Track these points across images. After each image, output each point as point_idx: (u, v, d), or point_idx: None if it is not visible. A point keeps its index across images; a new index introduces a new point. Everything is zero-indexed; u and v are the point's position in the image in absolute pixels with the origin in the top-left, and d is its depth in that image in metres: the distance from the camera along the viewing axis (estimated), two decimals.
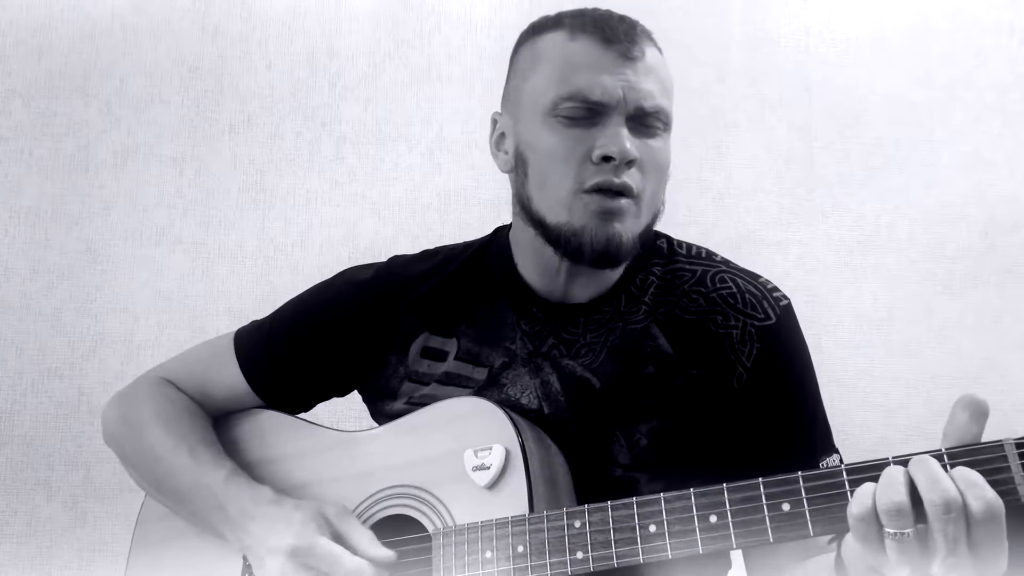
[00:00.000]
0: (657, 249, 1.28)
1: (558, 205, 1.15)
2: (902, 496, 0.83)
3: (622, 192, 1.12)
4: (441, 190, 2.25)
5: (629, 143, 1.12)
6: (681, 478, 1.09)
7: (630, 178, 1.13)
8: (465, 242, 1.36)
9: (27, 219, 2.21)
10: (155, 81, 2.27)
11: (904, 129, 2.33)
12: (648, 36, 1.19)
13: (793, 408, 1.20)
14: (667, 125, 1.17)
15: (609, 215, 1.13)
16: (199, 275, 2.21)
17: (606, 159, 1.12)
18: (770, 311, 1.21)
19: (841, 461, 1.19)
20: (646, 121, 1.15)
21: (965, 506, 0.82)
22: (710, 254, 1.28)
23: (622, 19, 1.18)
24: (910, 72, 2.36)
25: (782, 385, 1.20)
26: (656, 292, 1.24)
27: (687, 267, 1.26)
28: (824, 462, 1.17)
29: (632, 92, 1.13)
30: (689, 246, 1.29)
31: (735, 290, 1.22)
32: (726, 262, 1.27)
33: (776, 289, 1.24)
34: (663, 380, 1.19)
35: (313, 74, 2.30)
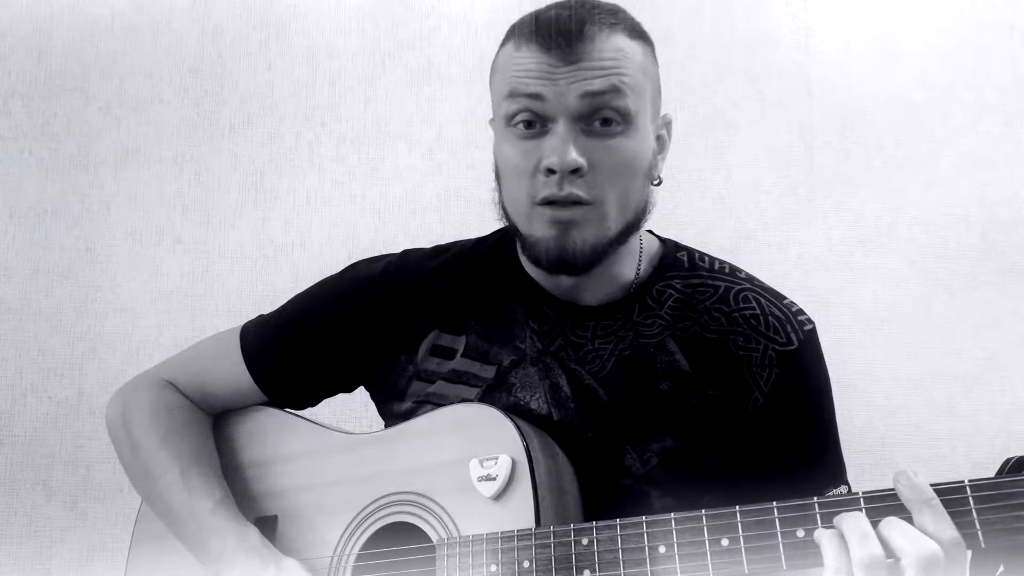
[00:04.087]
0: (677, 262, 1.25)
1: (520, 216, 1.16)
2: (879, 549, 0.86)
3: (572, 201, 1.10)
4: (441, 190, 2.25)
5: (574, 152, 1.09)
6: (691, 495, 1.09)
7: (579, 187, 1.10)
8: (478, 237, 1.34)
9: (27, 219, 2.21)
10: (155, 81, 2.27)
11: (904, 129, 2.33)
12: (603, 29, 1.11)
13: (805, 436, 1.19)
14: (627, 120, 1.11)
15: (566, 225, 1.11)
16: (199, 275, 2.21)
17: (551, 171, 1.10)
18: (793, 336, 1.19)
19: (850, 493, 1.18)
20: (598, 120, 1.11)
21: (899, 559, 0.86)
22: (734, 269, 1.25)
23: (571, 17, 1.13)
24: (910, 72, 2.36)
25: (797, 413, 1.18)
26: (674, 306, 1.21)
27: (709, 282, 1.23)
28: (831, 493, 1.16)
29: (569, 98, 1.09)
30: (712, 260, 1.26)
31: (759, 311, 1.20)
32: (750, 279, 1.24)
33: (801, 312, 1.21)
34: (678, 398, 1.17)
35: (313, 74, 2.30)
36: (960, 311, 2.26)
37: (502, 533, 1.06)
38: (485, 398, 1.21)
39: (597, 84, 1.09)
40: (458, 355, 1.24)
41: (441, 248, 1.34)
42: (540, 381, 1.20)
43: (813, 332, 1.21)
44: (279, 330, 1.32)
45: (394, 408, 1.28)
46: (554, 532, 1.03)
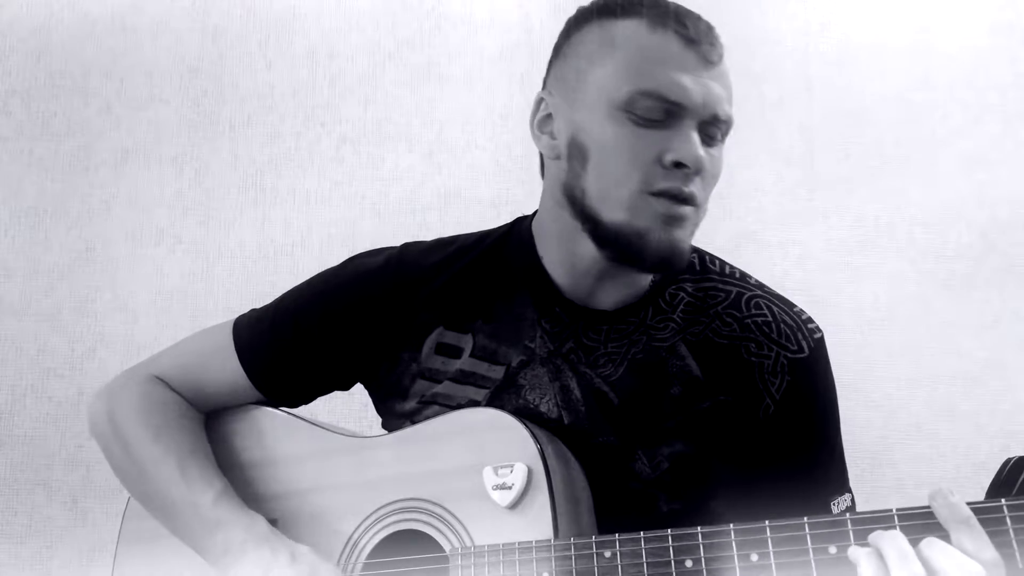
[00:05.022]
0: (688, 264, 1.22)
1: (618, 204, 1.09)
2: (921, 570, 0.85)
3: (688, 200, 1.09)
4: (441, 190, 2.24)
5: (702, 151, 1.08)
6: (698, 499, 1.08)
7: (696, 187, 1.09)
8: (481, 232, 1.30)
9: (27, 219, 2.21)
10: (155, 81, 2.27)
11: (904, 129, 2.33)
12: (720, 40, 1.14)
13: (812, 444, 1.19)
14: (726, 135, 1.15)
15: (674, 221, 1.08)
16: (199, 275, 2.21)
17: (678, 165, 1.07)
18: (804, 344, 1.19)
19: (853, 501, 1.18)
20: (714, 129, 1.12)
21: None
22: (744, 275, 1.24)
23: (699, 17, 1.13)
24: (910, 72, 2.35)
25: (806, 420, 1.18)
26: (686, 310, 1.20)
27: (721, 287, 1.22)
28: (835, 501, 1.16)
29: (710, 97, 1.09)
30: (722, 264, 1.25)
31: (770, 318, 1.19)
32: (760, 285, 1.24)
33: (811, 320, 1.21)
34: (689, 402, 1.16)
35: (313, 74, 2.30)
36: (960, 311, 2.26)
37: (519, 544, 1.03)
38: (493, 400, 1.19)
39: (722, 92, 1.12)
40: (465, 354, 1.21)
41: (443, 241, 1.30)
42: (550, 383, 1.18)
43: (822, 340, 1.21)
44: (275, 324, 1.29)
45: (396, 407, 1.25)
46: (575, 544, 1.00)
